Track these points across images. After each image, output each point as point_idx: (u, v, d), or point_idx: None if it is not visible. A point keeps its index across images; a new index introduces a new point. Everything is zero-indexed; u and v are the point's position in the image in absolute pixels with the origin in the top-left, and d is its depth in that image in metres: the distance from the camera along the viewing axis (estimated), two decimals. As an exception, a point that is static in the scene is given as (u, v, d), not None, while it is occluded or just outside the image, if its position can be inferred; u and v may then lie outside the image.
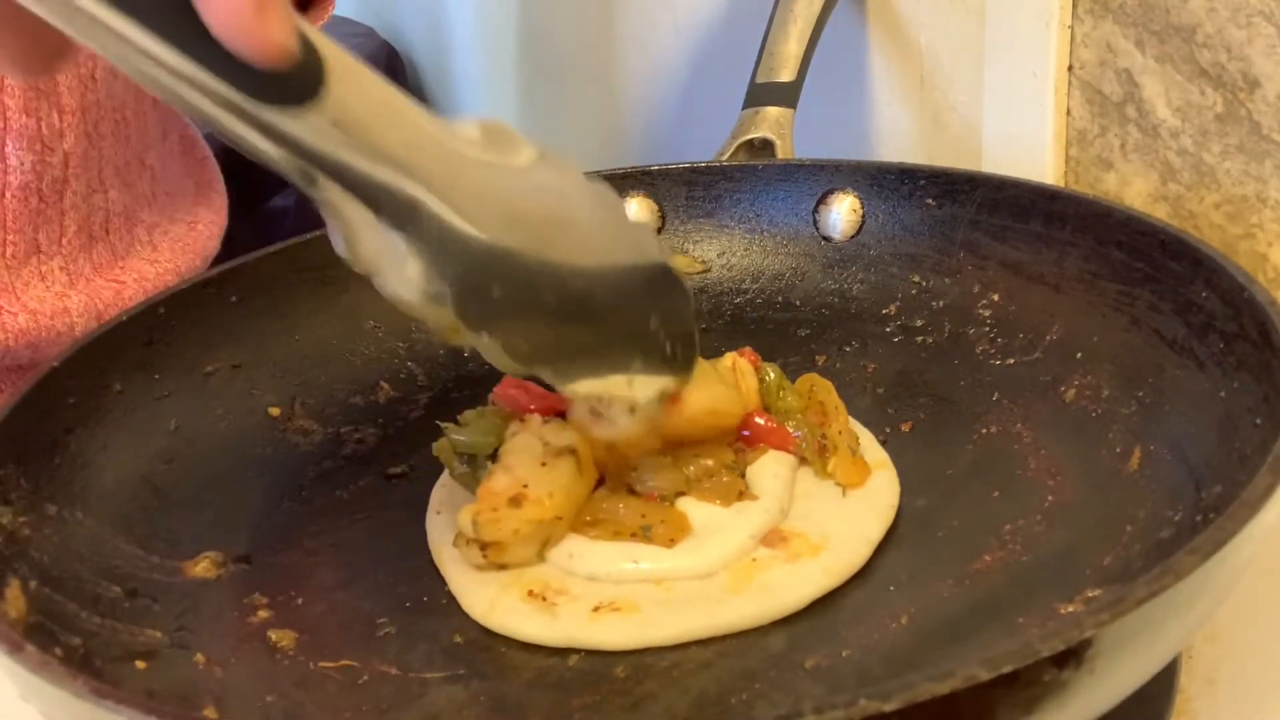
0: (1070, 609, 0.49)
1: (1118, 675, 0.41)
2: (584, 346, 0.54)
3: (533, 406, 0.60)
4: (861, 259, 0.77)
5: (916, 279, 0.74)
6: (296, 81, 0.44)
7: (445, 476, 0.65)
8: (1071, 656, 0.38)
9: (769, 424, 0.61)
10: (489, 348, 0.52)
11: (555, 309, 0.52)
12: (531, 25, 1.71)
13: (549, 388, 0.58)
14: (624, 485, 0.58)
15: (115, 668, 0.51)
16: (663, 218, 0.81)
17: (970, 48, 0.89)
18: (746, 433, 0.61)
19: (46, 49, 0.45)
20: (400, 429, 0.72)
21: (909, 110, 0.99)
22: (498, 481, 0.57)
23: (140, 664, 0.52)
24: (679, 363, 0.56)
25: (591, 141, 1.65)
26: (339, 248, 0.48)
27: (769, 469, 0.60)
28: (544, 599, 0.55)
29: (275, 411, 0.71)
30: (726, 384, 0.60)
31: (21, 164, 0.79)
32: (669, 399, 0.57)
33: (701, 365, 0.58)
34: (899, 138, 1.02)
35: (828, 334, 0.74)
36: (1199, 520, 0.50)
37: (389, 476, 0.68)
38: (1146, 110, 0.77)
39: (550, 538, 0.56)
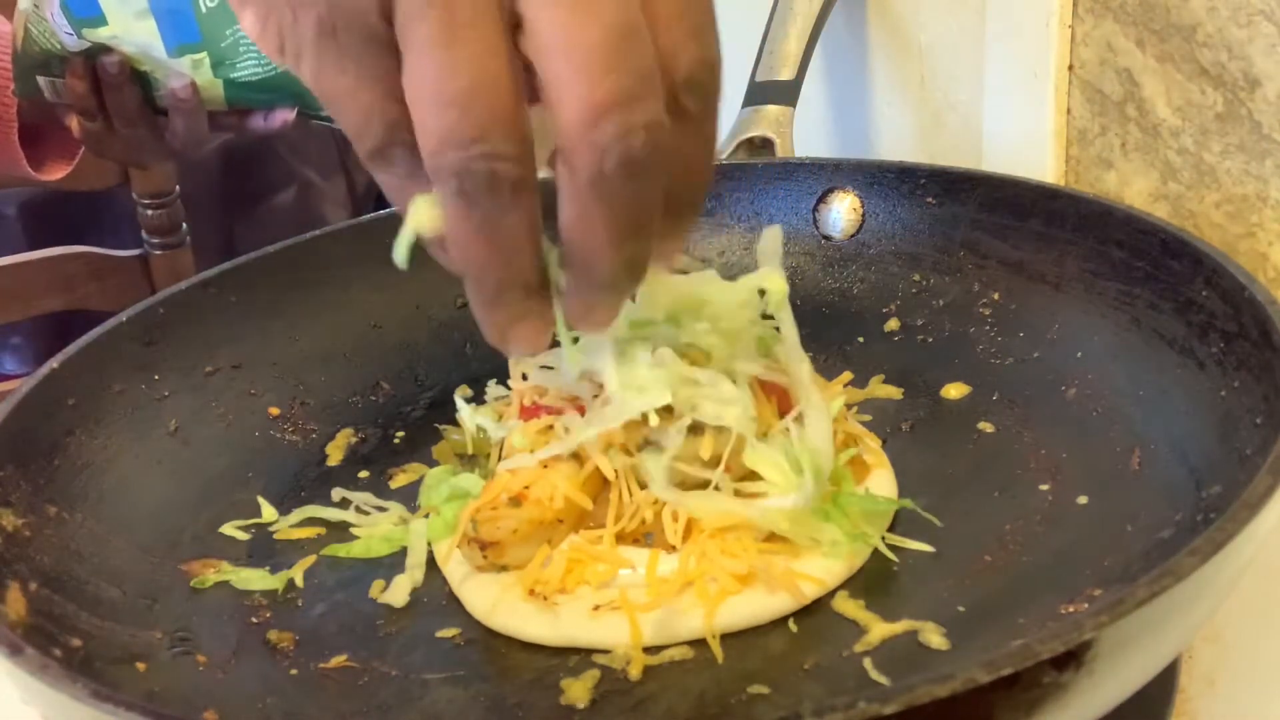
0: (1070, 609, 0.49)
1: (1118, 677, 0.41)
2: None
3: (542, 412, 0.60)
4: (861, 258, 0.77)
5: (917, 278, 0.74)
6: None
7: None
8: (1071, 658, 0.38)
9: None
10: None
11: None
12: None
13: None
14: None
15: (115, 669, 0.51)
16: (663, 217, 0.81)
17: (970, 47, 0.89)
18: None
19: None
20: (400, 429, 0.72)
21: (909, 109, 0.99)
22: (500, 481, 0.57)
23: (140, 665, 0.52)
24: None
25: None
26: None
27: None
28: (545, 599, 0.55)
29: (275, 411, 0.71)
30: None
31: None
32: None
33: None
34: (899, 136, 1.01)
35: (828, 333, 0.74)
36: (1199, 520, 0.50)
37: (389, 476, 0.68)
38: (1147, 109, 0.77)
39: (552, 540, 0.56)
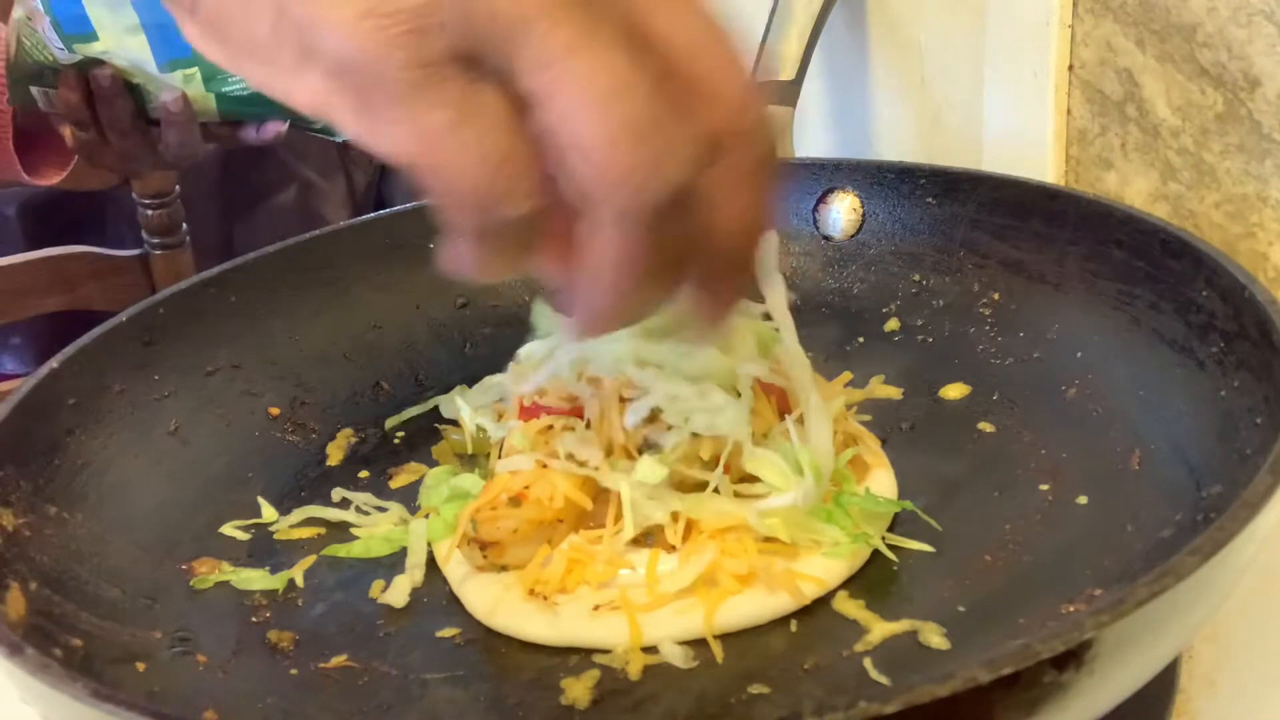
0: (1071, 609, 0.49)
1: (1118, 676, 0.41)
2: None
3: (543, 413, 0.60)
4: (861, 258, 0.77)
5: (917, 278, 0.74)
6: None
7: (447, 479, 0.64)
8: (1072, 658, 0.38)
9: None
10: None
11: None
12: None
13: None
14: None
15: (115, 669, 0.51)
16: (663, 217, 0.81)
17: (970, 47, 0.89)
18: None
19: None
20: (400, 429, 0.72)
21: (909, 109, 0.99)
22: (500, 481, 0.57)
23: (140, 665, 0.52)
24: None
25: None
26: None
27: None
28: (545, 599, 0.55)
29: (275, 411, 0.71)
30: None
31: None
32: None
33: None
34: (899, 137, 1.01)
35: (828, 333, 0.74)
36: (1199, 520, 0.50)
37: (389, 476, 0.68)
38: (1147, 109, 0.77)
39: (552, 540, 0.56)
